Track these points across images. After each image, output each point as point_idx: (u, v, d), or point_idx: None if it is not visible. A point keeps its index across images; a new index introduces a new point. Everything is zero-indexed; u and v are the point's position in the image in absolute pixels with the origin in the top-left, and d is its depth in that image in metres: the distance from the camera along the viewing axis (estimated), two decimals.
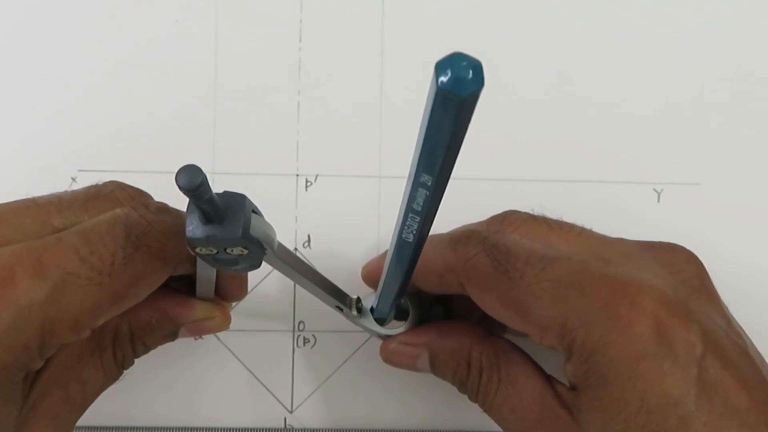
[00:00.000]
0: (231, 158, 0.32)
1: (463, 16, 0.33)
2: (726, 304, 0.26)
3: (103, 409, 0.31)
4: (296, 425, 0.32)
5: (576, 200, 0.33)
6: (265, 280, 0.32)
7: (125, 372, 0.27)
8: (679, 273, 0.25)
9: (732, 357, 0.23)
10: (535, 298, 0.24)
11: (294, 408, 0.32)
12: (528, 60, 0.33)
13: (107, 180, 0.27)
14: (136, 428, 0.31)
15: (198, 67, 0.33)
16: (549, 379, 0.26)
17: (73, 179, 0.32)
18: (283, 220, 0.32)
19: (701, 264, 0.26)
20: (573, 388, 0.24)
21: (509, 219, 0.27)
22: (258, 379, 0.32)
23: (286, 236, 0.32)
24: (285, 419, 0.32)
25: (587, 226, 0.28)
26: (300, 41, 0.33)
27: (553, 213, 0.28)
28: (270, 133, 0.33)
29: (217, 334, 0.32)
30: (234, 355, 0.32)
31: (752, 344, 0.25)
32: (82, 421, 0.30)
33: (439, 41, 0.33)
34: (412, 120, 0.34)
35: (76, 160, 0.32)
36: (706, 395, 0.22)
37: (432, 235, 0.23)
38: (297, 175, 0.32)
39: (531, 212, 0.28)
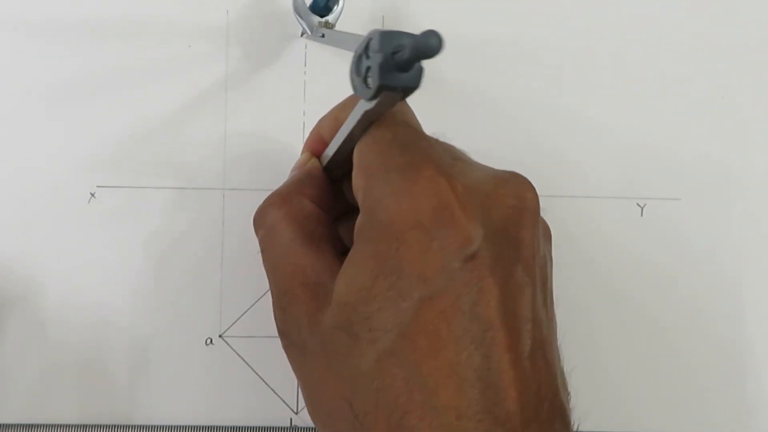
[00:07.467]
0: (241, 174, 0.33)
1: (456, 33, 0.34)
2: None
3: (106, 408, 0.32)
4: (302, 425, 0.33)
5: (562, 214, 0.33)
6: None
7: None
8: (506, 194, 0.24)
9: (499, 272, 0.22)
10: None
11: (299, 409, 0.33)
12: (513, 76, 0.34)
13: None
14: (144, 427, 0.32)
15: (209, 88, 0.33)
16: (336, 254, 0.26)
17: (92, 194, 0.33)
18: None
19: (534, 194, 0.25)
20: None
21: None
22: (264, 381, 0.33)
23: None
24: (291, 420, 0.33)
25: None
26: (305, 65, 0.34)
27: None
28: (277, 151, 0.33)
29: (225, 338, 0.32)
30: (240, 357, 0.33)
31: (544, 276, 0.24)
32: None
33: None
34: None
35: (95, 177, 0.33)
36: (456, 288, 0.21)
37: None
38: None
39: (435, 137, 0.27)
